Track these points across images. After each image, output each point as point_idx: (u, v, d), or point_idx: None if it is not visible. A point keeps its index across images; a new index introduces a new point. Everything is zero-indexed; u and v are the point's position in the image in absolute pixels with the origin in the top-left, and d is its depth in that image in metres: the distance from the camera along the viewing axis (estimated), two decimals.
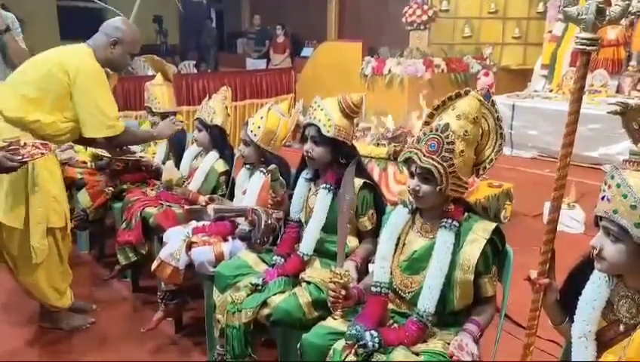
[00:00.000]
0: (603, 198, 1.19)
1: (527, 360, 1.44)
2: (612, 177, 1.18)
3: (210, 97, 2.90)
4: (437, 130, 1.50)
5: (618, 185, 1.15)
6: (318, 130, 1.95)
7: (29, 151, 2.11)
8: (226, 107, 2.86)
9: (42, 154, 2.14)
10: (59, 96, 2.31)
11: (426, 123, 1.61)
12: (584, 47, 1.31)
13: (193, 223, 2.45)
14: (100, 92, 2.38)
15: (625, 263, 1.20)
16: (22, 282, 2.44)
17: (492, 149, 1.59)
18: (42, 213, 2.32)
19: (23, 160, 2.07)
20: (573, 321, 1.31)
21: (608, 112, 1.29)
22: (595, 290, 1.28)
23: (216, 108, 2.80)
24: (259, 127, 2.35)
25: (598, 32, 1.32)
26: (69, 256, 2.61)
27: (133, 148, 3.29)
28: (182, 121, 2.91)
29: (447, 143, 1.48)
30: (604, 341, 1.29)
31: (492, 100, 1.60)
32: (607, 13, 1.30)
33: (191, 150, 3.02)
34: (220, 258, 2.18)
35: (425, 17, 6.65)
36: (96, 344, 2.53)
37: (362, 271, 1.96)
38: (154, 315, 2.47)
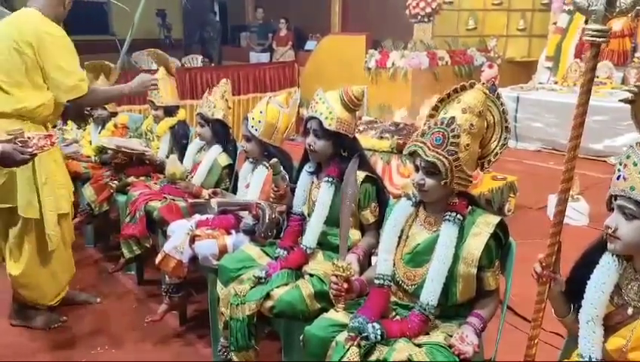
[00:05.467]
0: (619, 178, 1.22)
1: (532, 351, 1.44)
2: (628, 157, 1.21)
3: (210, 91, 2.90)
4: (442, 124, 1.49)
5: (635, 163, 1.19)
6: (320, 123, 1.95)
7: (36, 143, 2.12)
8: (227, 100, 2.85)
9: (51, 144, 2.17)
10: (29, 69, 2.25)
11: (431, 116, 1.61)
12: (594, 38, 1.29)
13: (197, 216, 2.46)
14: (61, 54, 2.30)
15: (639, 242, 1.21)
16: (18, 278, 2.44)
17: (497, 143, 1.58)
18: (53, 201, 2.39)
19: (34, 152, 2.08)
20: (577, 313, 1.32)
21: (620, 100, 1.29)
22: (605, 273, 1.28)
23: (216, 102, 2.79)
24: (259, 122, 2.34)
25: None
26: (73, 248, 2.64)
27: (134, 142, 3.30)
28: (155, 85, 2.84)
29: (453, 137, 1.47)
30: (611, 325, 1.29)
31: (497, 93, 1.59)
32: (618, 4, 1.27)
33: (194, 144, 3.02)
34: (223, 251, 2.19)
35: (429, 9, 6.63)
36: (101, 336, 2.55)
37: (364, 264, 1.97)
38: (158, 308, 2.50)
